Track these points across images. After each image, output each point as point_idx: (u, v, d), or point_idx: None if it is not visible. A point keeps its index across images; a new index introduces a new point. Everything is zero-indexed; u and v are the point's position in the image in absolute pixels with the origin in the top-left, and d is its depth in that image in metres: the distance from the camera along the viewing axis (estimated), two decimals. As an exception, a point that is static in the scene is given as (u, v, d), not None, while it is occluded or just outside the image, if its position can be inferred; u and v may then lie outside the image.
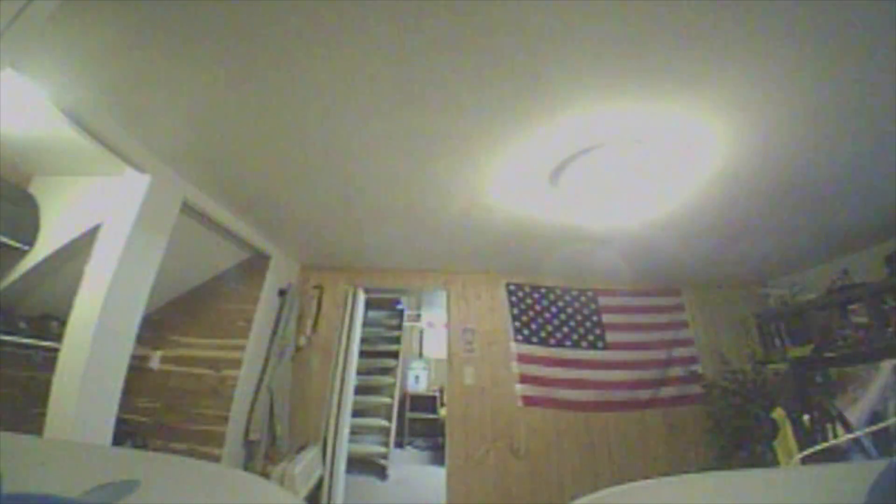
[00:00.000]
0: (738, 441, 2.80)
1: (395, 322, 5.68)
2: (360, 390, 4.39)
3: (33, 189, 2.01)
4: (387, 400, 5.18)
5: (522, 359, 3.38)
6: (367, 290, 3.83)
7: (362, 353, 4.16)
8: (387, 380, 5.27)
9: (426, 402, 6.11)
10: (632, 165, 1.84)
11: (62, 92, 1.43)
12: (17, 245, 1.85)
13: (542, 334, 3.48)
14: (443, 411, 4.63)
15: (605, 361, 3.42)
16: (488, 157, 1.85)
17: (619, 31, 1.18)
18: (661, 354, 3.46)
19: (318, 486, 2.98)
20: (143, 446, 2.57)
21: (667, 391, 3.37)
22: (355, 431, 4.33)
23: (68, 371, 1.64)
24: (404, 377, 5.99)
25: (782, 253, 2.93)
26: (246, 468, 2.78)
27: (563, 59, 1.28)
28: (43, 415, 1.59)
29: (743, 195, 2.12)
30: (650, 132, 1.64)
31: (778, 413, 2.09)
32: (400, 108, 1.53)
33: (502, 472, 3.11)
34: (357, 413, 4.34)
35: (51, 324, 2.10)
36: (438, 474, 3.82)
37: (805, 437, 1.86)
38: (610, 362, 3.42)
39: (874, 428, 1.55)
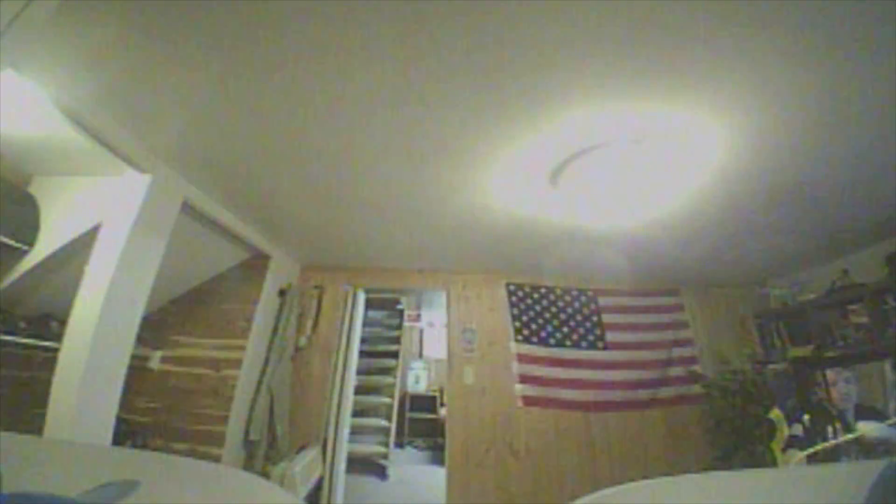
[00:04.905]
0: (738, 441, 2.80)
1: (395, 322, 5.68)
2: (360, 390, 4.39)
3: (33, 189, 2.01)
4: (387, 400, 5.18)
5: (522, 359, 3.38)
6: (367, 290, 3.83)
7: (362, 353, 4.16)
8: (387, 380, 5.26)
9: (426, 402, 6.10)
10: (632, 165, 1.84)
11: (62, 92, 1.43)
12: (17, 245, 1.85)
13: (542, 334, 3.47)
14: (443, 411, 4.62)
15: (605, 361, 3.41)
16: (488, 157, 1.85)
17: (618, 32, 1.18)
18: (661, 354, 3.46)
19: (318, 486, 2.98)
20: (143, 446, 2.57)
21: (667, 391, 3.37)
22: (355, 431, 4.32)
23: (68, 371, 1.64)
24: (404, 377, 5.98)
25: (782, 253, 2.93)
26: (246, 468, 2.78)
27: (563, 60, 1.28)
28: (43, 415, 1.59)
29: (743, 195, 2.12)
30: (650, 132, 1.64)
31: (775, 414, 2.09)
32: (400, 108, 1.53)
33: (502, 472, 3.11)
34: (357, 413, 4.34)
35: (51, 324, 2.10)
36: (438, 474, 3.82)
37: (804, 438, 1.86)
38: (610, 362, 3.41)
39: (874, 428, 1.55)
